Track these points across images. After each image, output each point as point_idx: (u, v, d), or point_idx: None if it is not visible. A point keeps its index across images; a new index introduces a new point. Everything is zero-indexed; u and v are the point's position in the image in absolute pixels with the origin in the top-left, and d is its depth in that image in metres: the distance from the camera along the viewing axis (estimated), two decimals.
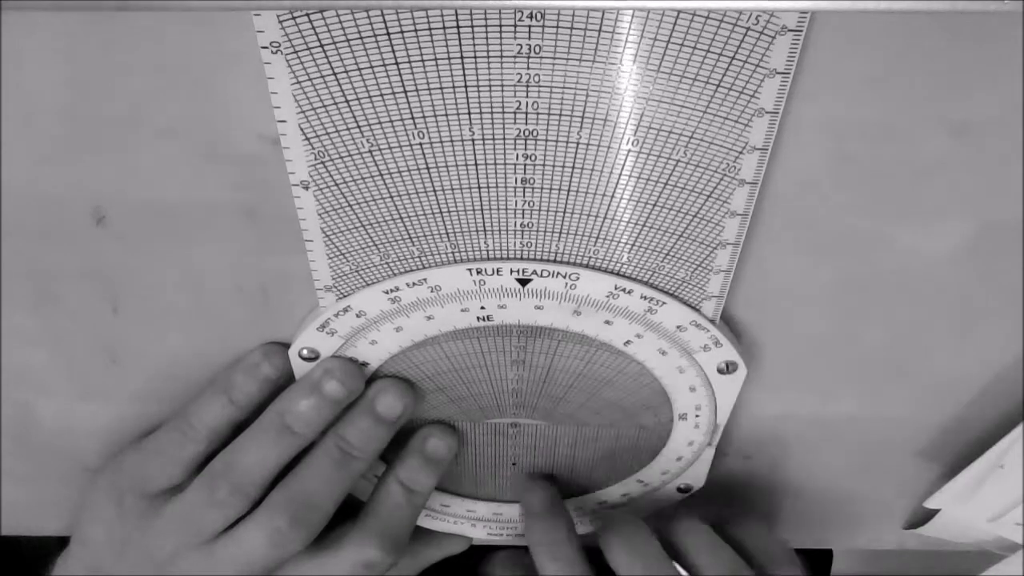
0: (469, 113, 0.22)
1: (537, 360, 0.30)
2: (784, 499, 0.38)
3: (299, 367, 0.29)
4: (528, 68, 0.22)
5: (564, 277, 0.26)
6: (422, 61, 0.21)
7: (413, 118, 0.23)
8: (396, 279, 0.27)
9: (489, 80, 0.22)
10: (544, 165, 0.24)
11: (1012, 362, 0.30)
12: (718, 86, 0.22)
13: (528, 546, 0.33)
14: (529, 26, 0.21)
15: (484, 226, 0.25)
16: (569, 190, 0.24)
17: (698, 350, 0.29)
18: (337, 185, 0.24)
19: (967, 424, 0.33)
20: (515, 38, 0.21)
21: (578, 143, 0.23)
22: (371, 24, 0.21)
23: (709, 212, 0.25)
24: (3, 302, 0.28)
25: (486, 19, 0.21)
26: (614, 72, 0.22)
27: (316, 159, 0.23)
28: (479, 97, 0.22)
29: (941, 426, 0.33)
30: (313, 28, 0.21)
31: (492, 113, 0.22)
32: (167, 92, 0.22)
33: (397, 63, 0.21)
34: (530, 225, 0.25)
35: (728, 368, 0.29)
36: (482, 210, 0.25)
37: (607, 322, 0.28)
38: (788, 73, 0.21)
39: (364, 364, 0.30)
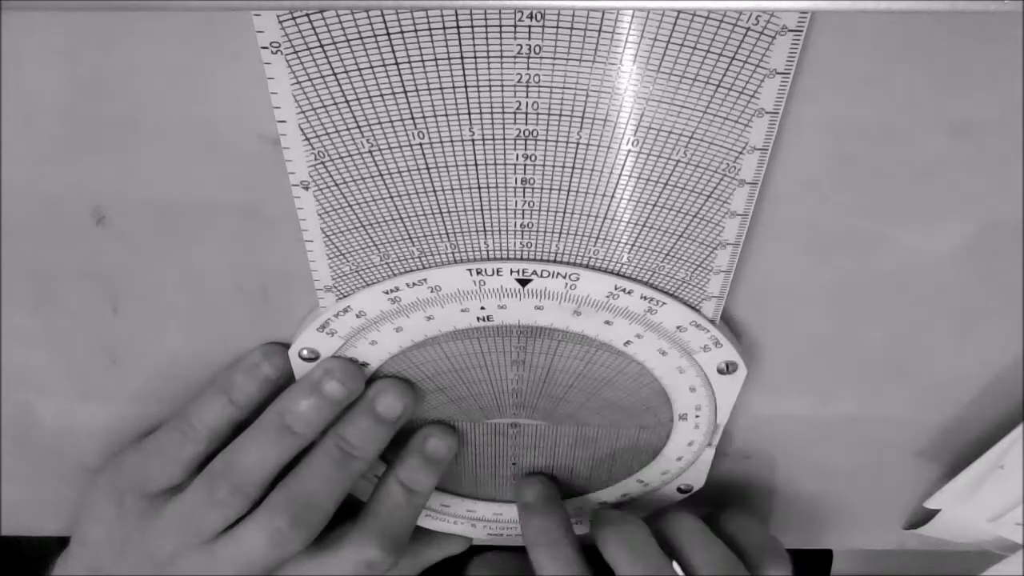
0: (469, 113, 0.22)
1: (537, 360, 0.30)
2: (784, 499, 0.38)
3: (299, 367, 0.29)
4: (528, 68, 0.22)
5: (564, 277, 0.26)
6: (422, 61, 0.21)
7: (413, 118, 0.23)
8: (396, 279, 0.27)
9: (489, 80, 0.22)
10: (544, 165, 0.24)
11: (1012, 362, 0.30)
12: (718, 86, 0.22)
13: (525, 545, 0.33)
14: (529, 26, 0.21)
15: (484, 226, 0.25)
16: (569, 190, 0.24)
17: (698, 350, 0.29)
18: (337, 185, 0.24)
19: (967, 424, 0.33)
20: (515, 38, 0.21)
21: (578, 143, 0.23)
22: (371, 24, 0.21)
23: (709, 212, 0.25)
24: (3, 302, 0.28)
25: (486, 19, 0.21)
26: (614, 72, 0.22)
27: (316, 159, 0.23)
28: (479, 97, 0.22)
29: (941, 426, 0.33)
30: (313, 28, 0.21)
31: (492, 113, 0.22)
32: (167, 92, 0.22)
33: (397, 63, 0.21)
34: (530, 225, 0.25)
35: (728, 368, 0.29)
36: (482, 210, 0.25)
37: (607, 322, 0.28)
38: (788, 73, 0.21)
39: (364, 364, 0.30)
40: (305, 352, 0.29)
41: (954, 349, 0.30)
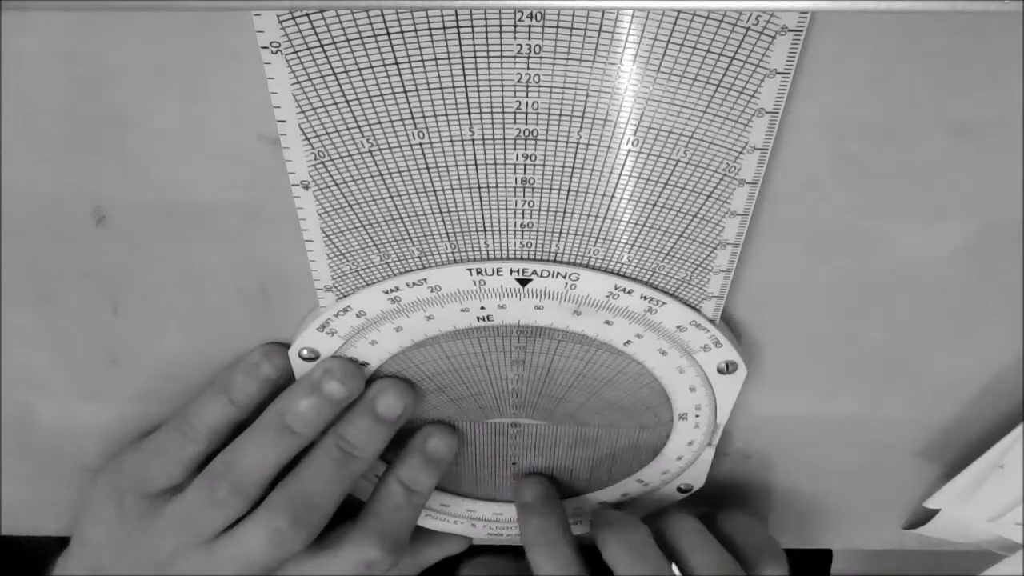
0: (469, 113, 0.22)
1: (537, 360, 0.30)
2: (784, 499, 0.38)
3: (299, 367, 0.29)
4: (528, 68, 0.22)
5: (564, 277, 0.26)
6: (422, 61, 0.21)
7: (413, 118, 0.23)
8: (396, 279, 0.27)
9: (489, 80, 0.22)
10: (544, 165, 0.24)
11: (1012, 362, 0.30)
12: (718, 86, 0.22)
13: (524, 545, 0.33)
14: (529, 26, 0.21)
15: (484, 226, 0.25)
16: (569, 190, 0.24)
17: (698, 350, 0.29)
18: (337, 185, 0.24)
19: (967, 424, 0.33)
20: (515, 38, 0.21)
21: (578, 143, 0.23)
22: (371, 24, 0.21)
23: (709, 212, 0.25)
24: (3, 302, 0.28)
25: (486, 19, 0.21)
26: (614, 72, 0.22)
27: (316, 159, 0.23)
28: (479, 97, 0.22)
29: (941, 426, 0.33)
30: (313, 28, 0.21)
31: (492, 113, 0.22)
32: (167, 92, 0.22)
33: (397, 63, 0.21)
34: (530, 225, 0.25)
35: (728, 368, 0.29)
36: (482, 210, 0.25)
37: (607, 322, 0.28)
38: (788, 73, 0.21)
39: (364, 364, 0.30)
40: (305, 352, 0.29)
41: (954, 349, 0.30)
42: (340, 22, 0.20)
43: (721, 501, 0.36)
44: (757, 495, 0.37)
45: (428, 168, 0.24)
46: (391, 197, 0.24)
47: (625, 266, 0.26)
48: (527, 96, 0.22)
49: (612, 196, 0.24)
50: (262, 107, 0.22)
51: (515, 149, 0.23)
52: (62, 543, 0.34)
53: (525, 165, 0.24)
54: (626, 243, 0.26)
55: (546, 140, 0.23)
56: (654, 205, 0.25)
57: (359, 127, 0.23)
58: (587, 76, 0.22)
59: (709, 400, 0.31)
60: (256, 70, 0.21)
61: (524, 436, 0.34)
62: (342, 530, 0.32)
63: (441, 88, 0.22)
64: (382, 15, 0.20)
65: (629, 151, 0.23)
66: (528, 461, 0.35)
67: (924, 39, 0.21)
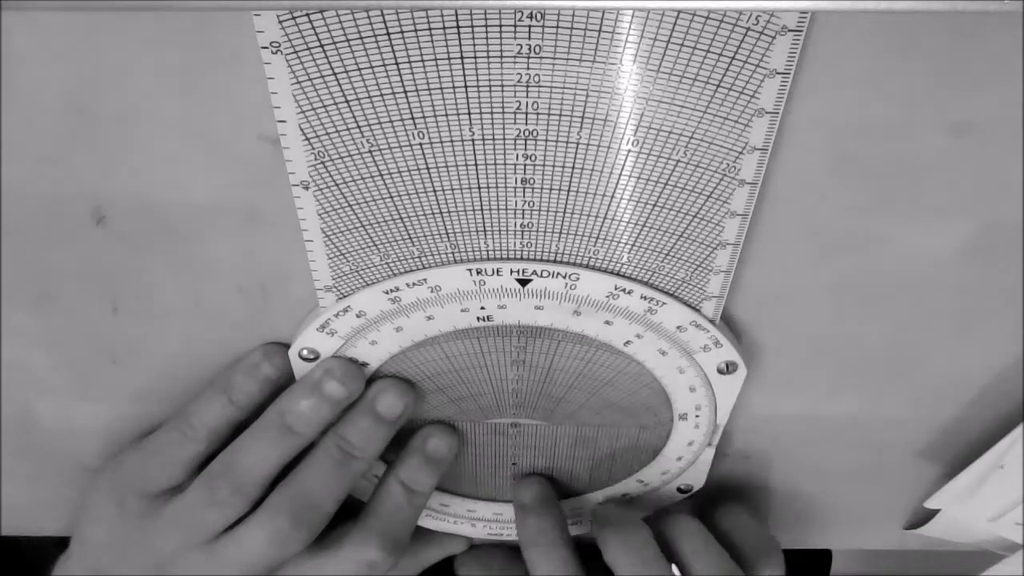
0: (469, 113, 0.22)
1: (537, 360, 0.30)
2: (784, 499, 0.38)
3: (299, 367, 0.29)
4: (528, 68, 0.22)
5: (564, 277, 0.26)
6: (422, 61, 0.21)
7: (413, 118, 0.23)
8: (396, 279, 0.27)
9: (489, 80, 0.22)
10: (544, 165, 0.24)
11: (1012, 362, 0.30)
12: (718, 86, 0.22)
13: (520, 545, 0.33)
14: (529, 26, 0.21)
15: (484, 226, 0.25)
16: (569, 190, 0.24)
17: (698, 350, 0.29)
18: (337, 185, 0.24)
19: (967, 424, 0.33)
20: (515, 38, 0.21)
21: (578, 143, 0.23)
22: (371, 24, 0.21)
23: (709, 212, 0.25)
24: (3, 302, 0.28)
25: (486, 19, 0.21)
26: (614, 72, 0.22)
27: (316, 159, 0.23)
28: (479, 97, 0.22)
29: (941, 426, 0.33)
30: (313, 28, 0.21)
31: (492, 113, 0.22)
32: (167, 92, 0.22)
33: (397, 63, 0.21)
34: (530, 225, 0.25)
35: (728, 368, 0.29)
36: (482, 210, 0.25)
37: (607, 322, 0.28)
38: (788, 73, 0.21)
39: (364, 364, 0.30)
40: (305, 352, 0.29)
41: (954, 349, 0.30)
42: (340, 22, 0.20)
43: (721, 501, 0.36)
44: (757, 495, 0.37)
45: (428, 168, 0.24)
46: (391, 197, 0.24)
47: (625, 266, 0.26)
48: (527, 96, 0.22)
49: (612, 196, 0.24)
50: (262, 107, 0.22)
51: (515, 149, 0.23)
52: (62, 543, 0.34)
53: (525, 165, 0.24)
54: (626, 243, 0.26)
55: (546, 140, 0.23)
56: (654, 205, 0.25)
57: (359, 127, 0.23)
58: (587, 76, 0.22)
59: (709, 400, 0.31)
60: (256, 70, 0.21)
61: (524, 436, 0.34)
62: (342, 530, 0.32)
63: (441, 88, 0.22)
64: (382, 15, 0.20)
65: (629, 151, 0.23)
66: (528, 461, 0.35)
67: (924, 39, 0.21)
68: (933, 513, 0.37)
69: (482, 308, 0.28)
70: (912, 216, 0.25)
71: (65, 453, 0.34)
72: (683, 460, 0.34)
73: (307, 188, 0.24)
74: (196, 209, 0.25)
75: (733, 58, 0.21)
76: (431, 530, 0.38)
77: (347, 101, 0.22)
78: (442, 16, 0.20)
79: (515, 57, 0.21)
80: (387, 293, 0.27)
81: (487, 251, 0.26)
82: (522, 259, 0.26)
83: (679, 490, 0.36)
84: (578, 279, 0.26)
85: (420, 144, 0.23)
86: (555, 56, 0.21)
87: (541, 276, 0.26)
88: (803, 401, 0.32)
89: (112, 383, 0.31)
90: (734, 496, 0.37)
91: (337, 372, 0.29)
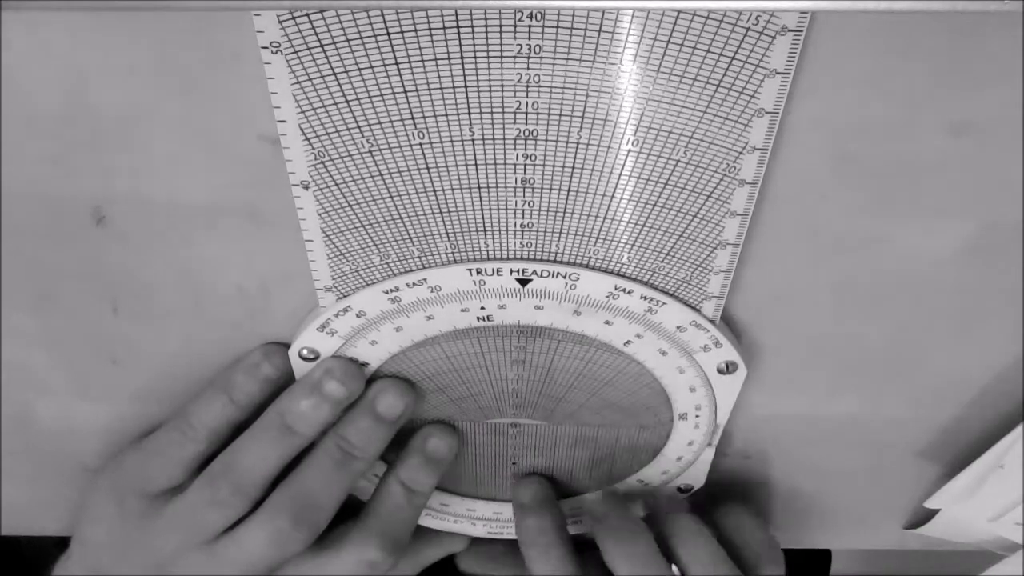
0: (469, 113, 0.22)
1: (537, 360, 0.30)
2: (784, 499, 0.38)
3: (299, 367, 0.29)
4: (528, 68, 0.22)
5: (564, 277, 0.26)
6: (422, 61, 0.21)
7: (413, 118, 0.23)
8: (396, 279, 0.27)
9: (489, 80, 0.22)
10: (544, 165, 0.24)
11: (1012, 362, 0.30)
12: (718, 86, 0.22)
13: (520, 545, 0.33)
14: (529, 26, 0.21)
15: (484, 226, 0.25)
16: (569, 190, 0.24)
17: (698, 350, 0.29)
18: (337, 185, 0.24)
19: (967, 424, 0.33)
20: (515, 38, 0.21)
21: (578, 143, 0.23)
22: (371, 24, 0.21)
23: (709, 212, 0.25)
24: (3, 302, 0.28)
25: (486, 19, 0.21)
26: (614, 72, 0.22)
27: (316, 159, 0.23)
28: (479, 97, 0.22)
29: (941, 426, 0.33)
30: (313, 28, 0.21)
31: (492, 113, 0.22)
32: (167, 92, 0.22)
33: (397, 63, 0.21)
34: (530, 225, 0.25)
35: (728, 368, 0.29)
36: (482, 210, 0.25)
37: (607, 322, 0.28)
38: (788, 73, 0.21)
39: (364, 364, 0.30)
40: (305, 352, 0.29)
41: (954, 349, 0.30)
42: (340, 22, 0.20)
43: (721, 501, 0.36)
44: (757, 495, 0.37)
45: (428, 168, 0.24)
46: (391, 197, 0.24)
47: (625, 266, 0.26)
48: (527, 96, 0.22)
49: (612, 196, 0.24)
50: (262, 107, 0.22)
51: (515, 149, 0.23)
52: (62, 543, 0.34)
53: (525, 165, 0.24)
54: (626, 243, 0.26)
55: (546, 140, 0.23)
56: (654, 205, 0.25)
57: (359, 127, 0.23)
58: (587, 76, 0.22)
59: (709, 400, 0.31)
60: (256, 70, 0.21)
61: (524, 436, 0.34)
62: (343, 530, 0.32)
63: (441, 88, 0.22)
64: (382, 15, 0.20)
65: (629, 151, 0.23)
66: (528, 461, 0.35)
67: (924, 39, 0.21)
68: (933, 513, 0.37)
69: (482, 308, 0.28)
70: (912, 216, 0.25)
71: (65, 453, 0.34)
72: (683, 460, 0.34)
73: (307, 188, 0.24)
74: (196, 209, 0.25)
75: (733, 58, 0.21)
76: (431, 529, 0.38)
77: (347, 101, 0.22)
78: (442, 16, 0.20)
79: (515, 57, 0.21)
80: (387, 293, 0.27)
81: (487, 251, 0.26)
82: (522, 259, 0.26)
83: (679, 490, 0.36)
84: (578, 279, 0.26)
85: (420, 144, 0.23)
86: (555, 56, 0.21)
87: (541, 276, 0.26)
88: (803, 401, 0.32)
89: (112, 383, 0.31)
90: (734, 496, 0.37)
91: (337, 372, 0.29)
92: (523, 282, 0.27)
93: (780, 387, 0.32)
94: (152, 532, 0.30)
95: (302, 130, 0.23)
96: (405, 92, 0.22)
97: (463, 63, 0.21)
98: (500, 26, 0.21)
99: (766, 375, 0.31)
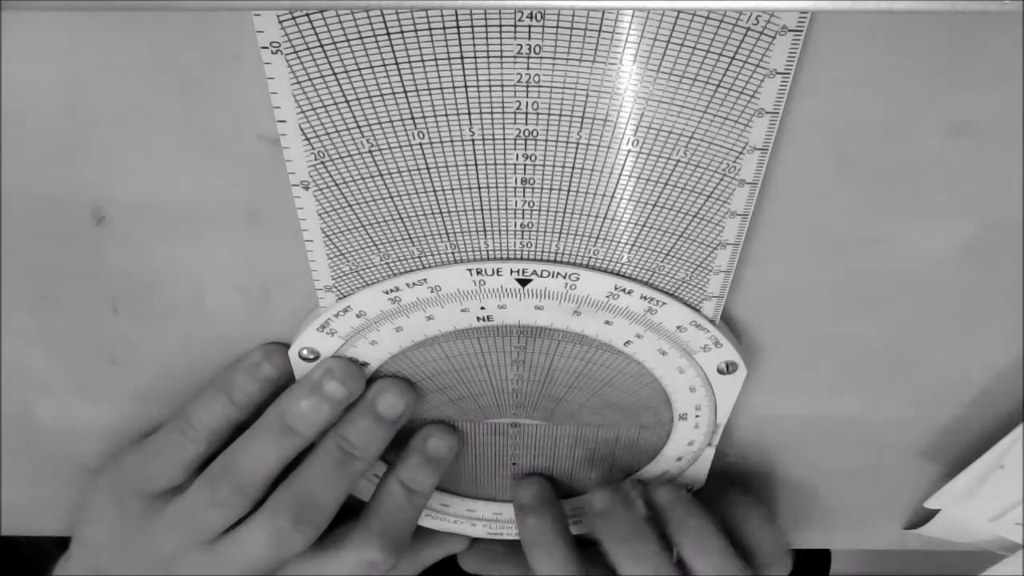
0: (469, 113, 0.22)
1: (537, 360, 0.30)
2: (784, 499, 0.37)
3: (299, 367, 0.29)
4: (528, 68, 0.22)
5: (564, 277, 0.26)
6: (422, 61, 0.21)
7: (413, 118, 0.23)
8: (396, 279, 0.27)
9: (489, 80, 0.22)
10: (544, 165, 0.24)
11: (1012, 362, 0.30)
12: (718, 86, 0.22)
13: (523, 546, 0.33)
14: (529, 26, 0.21)
15: (484, 226, 0.25)
16: (569, 190, 0.24)
17: (698, 350, 0.29)
18: (337, 185, 0.24)
19: (967, 424, 0.33)
20: (515, 38, 0.21)
21: (578, 143, 0.23)
22: (371, 24, 0.21)
23: (709, 212, 0.25)
24: (3, 302, 0.28)
25: (486, 19, 0.21)
26: (614, 72, 0.22)
27: (316, 159, 0.23)
28: (479, 97, 0.22)
29: (941, 426, 0.33)
30: (313, 28, 0.21)
31: (492, 113, 0.22)
32: (167, 92, 0.22)
33: (397, 63, 0.21)
34: (530, 225, 0.25)
35: (728, 368, 0.29)
36: (482, 210, 0.25)
37: (607, 322, 0.28)
38: (788, 73, 0.21)
39: (364, 364, 0.30)
40: (305, 352, 0.29)
41: (954, 349, 0.30)
42: (340, 22, 0.21)
43: (733, 493, 0.36)
44: (757, 495, 0.37)
45: (428, 168, 0.24)
46: (391, 197, 0.24)
47: (625, 266, 0.26)
48: (527, 96, 0.22)
49: (612, 196, 0.24)
50: (262, 107, 0.22)
51: (515, 149, 0.23)
52: (62, 543, 0.34)
53: (525, 165, 0.24)
54: (626, 243, 0.26)
55: (546, 140, 0.23)
56: (654, 205, 0.25)
57: (359, 127, 0.23)
58: (587, 76, 0.22)
59: (709, 400, 0.31)
60: (256, 70, 0.21)
61: (524, 436, 0.34)
62: (343, 530, 0.32)
63: (441, 88, 0.22)
64: (382, 15, 0.20)
65: (629, 151, 0.23)
66: (528, 461, 0.35)
67: (924, 39, 0.21)
68: (933, 513, 0.37)
69: (482, 308, 0.28)
70: (912, 216, 0.25)
71: (65, 453, 0.34)
72: (683, 460, 0.34)
73: (307, 188, 0.24)
74: (196, 209, 0.25)
75: (733, 58, 0.21)
76: (431, 529, 0.38)
77: (347, 101, 0.22)
78: (442, 16, 0.20)
79: (515, 57, 0.21)
80: (387, 293, 0.27)
81: (487, 251, 0.26)
82: (522, 259, 0.26)
83: None
84: (578, 279, 0.26)
85: (420, 144, 0.23)
86: (555, 56, 0.21)
87: (541, 276, 0.26)
88: (803, 401, 0.32)
89: (112, 383, 0.31)
90: (740, 489, 0.37)
91: (337, 372, 0.29)
92: (523, 282, 0.27)
93: (780, 387, 0.32)
94: (152, 532, 0.30)
95: (302, 130, 0.23)
96: (405, 92, 0.22)
97: (463, 63, 0.21)
98: (500, 26, 0.21)
99: (766, 375, 0.31)
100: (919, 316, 0.29)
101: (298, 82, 0.22)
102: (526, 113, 0.23)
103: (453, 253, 0.26)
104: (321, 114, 0.22)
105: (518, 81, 0.22)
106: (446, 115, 0.22)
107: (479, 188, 0.24)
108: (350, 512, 0.32)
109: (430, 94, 0.22)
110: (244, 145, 0.23)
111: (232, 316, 0.28)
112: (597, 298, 0.27)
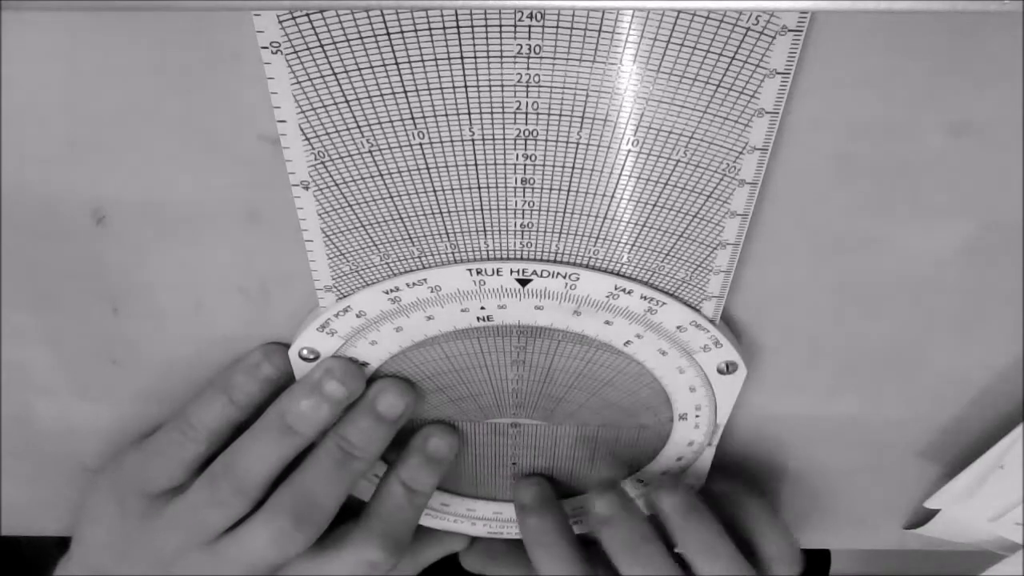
0: (469, 113, 0.22)
1: (537, 360, 0.30)
2: (784, 499, 0.37)
3: (299, 367, 0.29)
4: (528, 68, 0.22)
5: (564, 277, 0.26)
6: (422, 61, 0.21)
7: (413, 118, 0.23)
8: (396, 279, 0.27)
9: (489, 80, 0.22)
10: (544, 165, 0.24)
11: (1012, 362, 0.30)
12: (718, 86, 0.22)
13: (525, 546, 0.33)
14: (529, 26, 0.21)
15: (484, 226, 0.25)
16: (569, 190, 0.24)
17: (698, 350, 0.29)
18: (337, 185, 0.24)
19: (967, 424, 0.33)
20: (515, 38, 0.21)
21: (578, 143, 0.23)
22: (371, 24, 0.21)
23: (709, 212, 0.25)
24: (3, 302, 0.28)
25: (486, 19, 0.21)
26: (614, 72, 0.22)
27: (316, 159, 0.23)
28: (479, 97, 0.22)
29: (941, 426, 0.33)
30: (313, 28, 0.21)
31: (492, 113, 0.22)
32: (167, 92, 0.22)
33: (397, 63, 0.21)
34: (530, 225, 0.25)
35: (728, 368, 0.29)
36: (482, 210, 0.25)
37: (607, 322, 0.28)
38: (788, 73, 0.21)
39: (364, 364, 0.30)
40: (305, 352, 0.29)
41: (954, 349, 0.30)
42: (340, 22, 0.21)
43: (742, 489, 0.36)
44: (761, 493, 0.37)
45: (428, 168, 0.24)
46: (391, 197, 0.24)
47: (625, 266, 0.26)
48: (527, 96, 0.22)
49: (612, 196, 0.24)
50: (262, 107, 0.22)
51: (515, 149, 0.23)
52: (62, 543, 0.34)
53: (525, 165, 0.24)
54: (626, 243, 0.26)
55: (546, 140, 0.23)
56: (654, 205, 0.25)
57: (359, 127, 0.23)
58: (587, 76, 0.22)
59: (709, 400, 0.31)
60: (256, 70, 0.21)
61: (524, 436, 0.34)
62: (344, 530, 0.32)
63: (441, 88, 0.22)
64: (382, 15, 0.20)
65: (629, 151, 0.23)
66: (528, 461, 0.35)
67: (924, 39, 0.21)
68: (933, 513, 0.37)
69: (482, 308, 0.28)
70: (912, 216, 0.25)
71: (65, 453, 0.34)
72: (683, 460, 0.34)
73: (307, 188, 0.24)
74: (196, 209, 0.25)
75: (733, 58, 0.21)
76: (431, 529, 0.38)
77: (347, 101, 0.22)
78: (442, 16, 0.20)
79: (515, 57, 0.21)
80: (387, 293, 0.27)
81: (487, 251, 0.26)
82: (522, 259, 0.26)
83: None
84: (578, 279, 0.26)
85: (420, 144, 0.23)
86: (555, 56, 0.21)
87: (541, 276, 0.26)
88: (803, 401, 0.32)
89: (112, 383, 0.31)
90: (744, 486, 0.36)
91: (337, 372, 0.29)
92: (523, 282, 0.27)
93: (780, 387, 0.32)
94: (153, 532, 0.30)
95: (302, 130, 0.23)
96: (405, 92, 0.22)
97: (463, 63, 0.21)
98: (500, 26, 0.21)
99: (766, 375, 0.31)
100: (919, 316, 0.29)
101: (298, 82, 0.22)
102: (526, 113, 0.23)
103: (453, 253, 0.26)
104: (321, 114, 0.22)
105: (518, 81, 0.22)
106: (446, 115, 0.22)
107: (479, 188, 0.24)
108: (350, 512, 0.32)
109: (430, 94, 0.22)
110: (244, 145, 0.23)
111: (232, 316, 0.28)
112: (597, 298, 0.27)
